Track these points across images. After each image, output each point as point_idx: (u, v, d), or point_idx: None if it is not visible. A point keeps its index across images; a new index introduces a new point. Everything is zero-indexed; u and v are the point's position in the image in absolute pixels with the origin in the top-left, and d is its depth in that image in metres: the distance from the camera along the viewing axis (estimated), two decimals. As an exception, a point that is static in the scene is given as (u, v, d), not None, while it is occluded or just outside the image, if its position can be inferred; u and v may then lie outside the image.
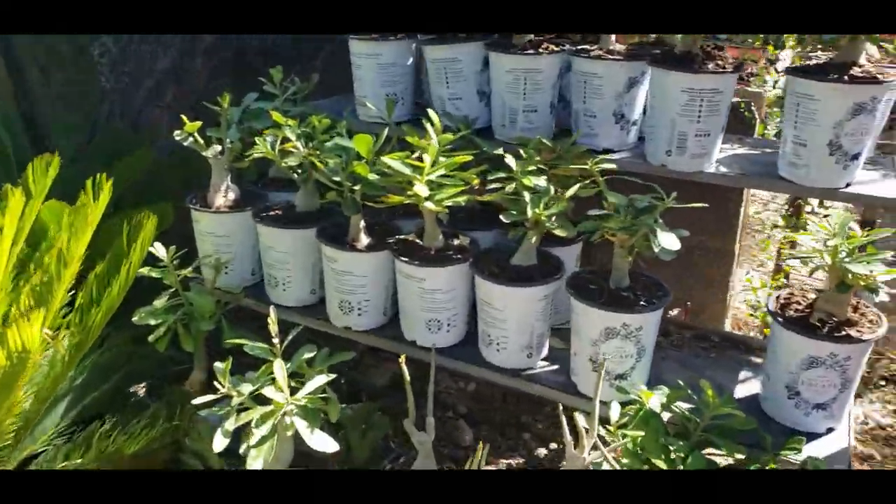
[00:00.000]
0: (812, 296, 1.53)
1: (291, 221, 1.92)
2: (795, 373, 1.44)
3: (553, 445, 2.27)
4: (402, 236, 1.81)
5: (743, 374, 1.73)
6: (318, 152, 1.82)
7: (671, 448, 1.36)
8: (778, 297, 1.54)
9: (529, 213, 1.51)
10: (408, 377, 1.48)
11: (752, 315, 2.78)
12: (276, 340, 1.50)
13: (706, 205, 1.41)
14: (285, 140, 1.83)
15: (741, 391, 1.66)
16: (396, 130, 1.84)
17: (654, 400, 1.48)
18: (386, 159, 1.58)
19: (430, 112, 1.74)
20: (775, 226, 2.56)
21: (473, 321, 1.81)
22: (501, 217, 1.55)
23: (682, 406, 1.49)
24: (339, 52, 2.88)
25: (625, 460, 1.36)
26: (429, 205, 1.59)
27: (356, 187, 1.72)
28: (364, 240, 1.81)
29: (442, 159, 1.60)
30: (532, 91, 1.84)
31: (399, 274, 1.75)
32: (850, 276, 1.33)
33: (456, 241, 1.78)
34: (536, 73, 1.82)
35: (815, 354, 1.40)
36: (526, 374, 1.69)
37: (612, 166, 1.45)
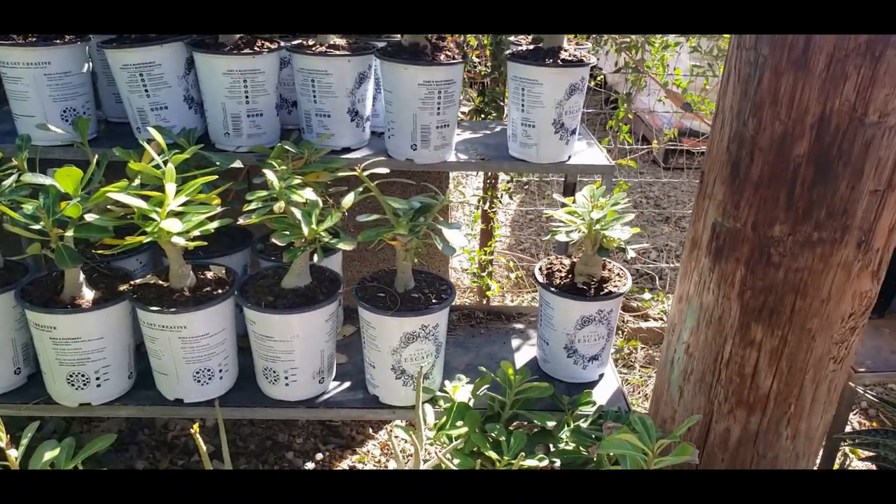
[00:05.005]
0: (566, 262, 1.69)
1: (-29, 290, 1.46)
2: (572, 333, 1.58)
3: (319, 456, 2.19)
4: (138, 281, 1.51)
5: (515, 343, 1.85)
6: (-8, 195, 1.41)
7: (492, 434, 1.38)
8: (541, 269, 1.66)
9: (305, 230, 1.37)
10: (203, 447, 1.25)
11: (474, 282, 2.99)
12: (12, 453, 1.13)
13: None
14: (-59, 186, 1.37)
15: (520, 358, 1.78)
16: (104, 154, 1.50)
17: (462, 392, 1.50)
18: (114, 194, 1.28)
19: (152, 130, 1.46)
20: (482, 198, 2.76)
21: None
22: (274, 239, 1.38)
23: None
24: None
25: (457, 461, 1.35)
26: (178, 240, 1.35)
27: (68, 233, 1.37)
28: (88, 294, 1.46)
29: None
30: (255, 94, 1.67)
31: (149, 327, 1.45)
32: (605, 240, 1.50)
33: (209, 274, 1.55)
34: (257, 74, 1.65)
35: (587, 314, 1.56)
36: (322, 401, 1.56)
37: (385, 170, 1.39)
